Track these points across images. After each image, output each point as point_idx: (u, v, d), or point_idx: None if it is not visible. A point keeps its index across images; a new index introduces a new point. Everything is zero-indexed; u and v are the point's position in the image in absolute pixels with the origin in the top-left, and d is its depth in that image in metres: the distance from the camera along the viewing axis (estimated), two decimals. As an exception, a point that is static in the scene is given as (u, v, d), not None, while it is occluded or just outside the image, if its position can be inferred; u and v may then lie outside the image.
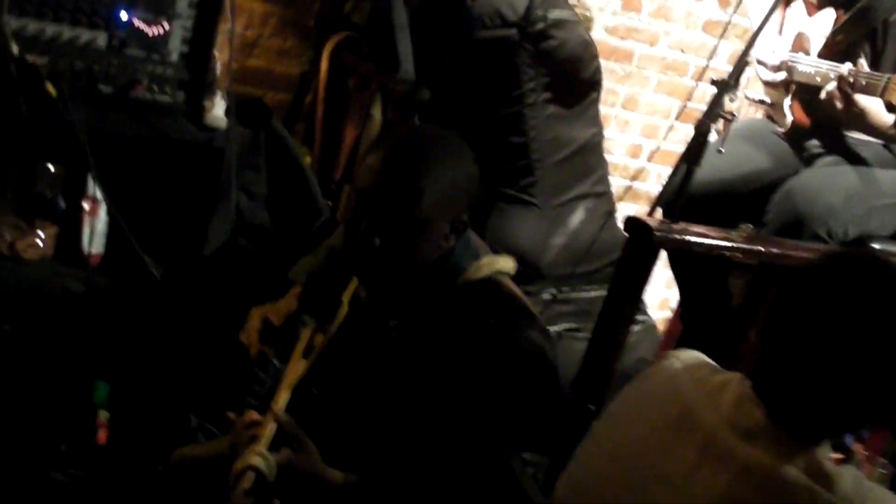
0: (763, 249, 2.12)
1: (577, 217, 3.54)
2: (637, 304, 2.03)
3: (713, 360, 1.76)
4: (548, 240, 3.48)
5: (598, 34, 4.06)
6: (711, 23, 4.27)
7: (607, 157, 4.22)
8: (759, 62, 2.91)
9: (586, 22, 3.96)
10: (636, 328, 3.63)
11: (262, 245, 3.08)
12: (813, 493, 1.48)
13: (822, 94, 2.57)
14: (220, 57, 3.05)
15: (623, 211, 4.11)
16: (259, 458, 1.71)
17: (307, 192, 3.20)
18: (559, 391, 2.07)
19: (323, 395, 2.02)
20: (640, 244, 1.91)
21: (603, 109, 4.14)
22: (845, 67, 2.53)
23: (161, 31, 2.78)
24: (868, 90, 2.48)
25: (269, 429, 1.77)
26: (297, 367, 1.97)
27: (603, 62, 4.04)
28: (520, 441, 1.99)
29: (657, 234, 1.89)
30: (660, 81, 4.31)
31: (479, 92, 3.56)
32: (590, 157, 3.67)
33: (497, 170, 3.54)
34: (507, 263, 2.03)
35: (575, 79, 3.56)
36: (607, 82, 4.14)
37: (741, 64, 2.40)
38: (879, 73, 2.46)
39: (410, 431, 1.88)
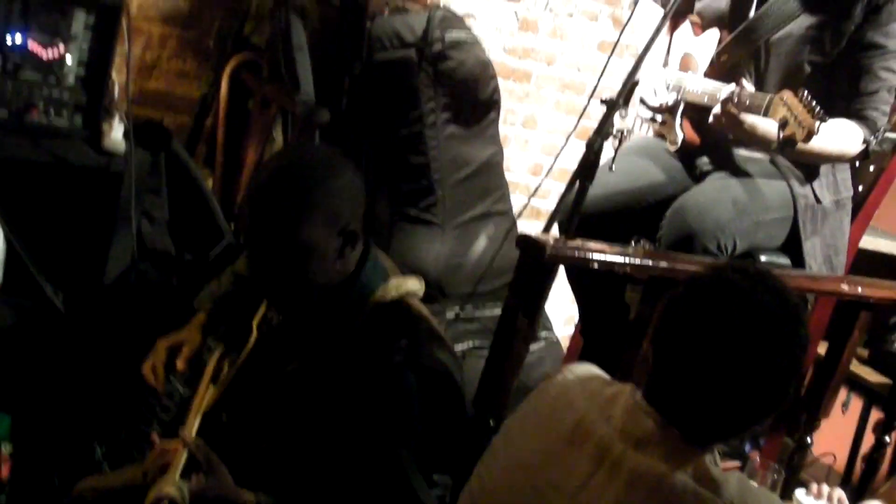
0: (651, 264, 2.18)
1: (479, 236, 3.59)
2: (534, 322, 2.06)
3: (613, 372, 1.82)
4: (450, 259, 3.52)
5: (496, 55, 4.12)
6: (606, 43, 4.37)
7: (509, 175, 4.29)
8: (649, 80, 2.98)
9: (486, 43, 4.05)
10: (539, 345, 3.70)
11: (164, 270, 3.06)
12: (699, 497, 1.55)
13: (710, 118, 2.65)
14: (118, 80, 3.04)
15: (526, 228, 4.17)
16: (172, 487, 1.72)
17: (209, 215, 3.20)
18: (465, 411, 2.11)
19: (234, 420, 2.03)
20: (531, 261, 1.96)
21: (503, 129, 4.21)
22: (727, 89, 2.61)
23: (56, 55, 2.75)
24: (752, 109, 2.56)
25: (181, 456, 1.78)
26: (206, 394, 1.98)
27: (502, 82, 4.11)
28: (428, 461, 2.02)
29: (548, 250, 1.93)
30: (558, 100, 4.39)
31: (379, 113, 3.60)
32: (490, 177, 3.73)
33: (399, 190, 3.59)
34: (415, 284, 2.06)
35: (473, 99, 3.62)
36: (507, 102, 4.21)
37: (628, 83, 2.47)
38: (762, 93, 2.54)
39: (319, 452, 1.90)
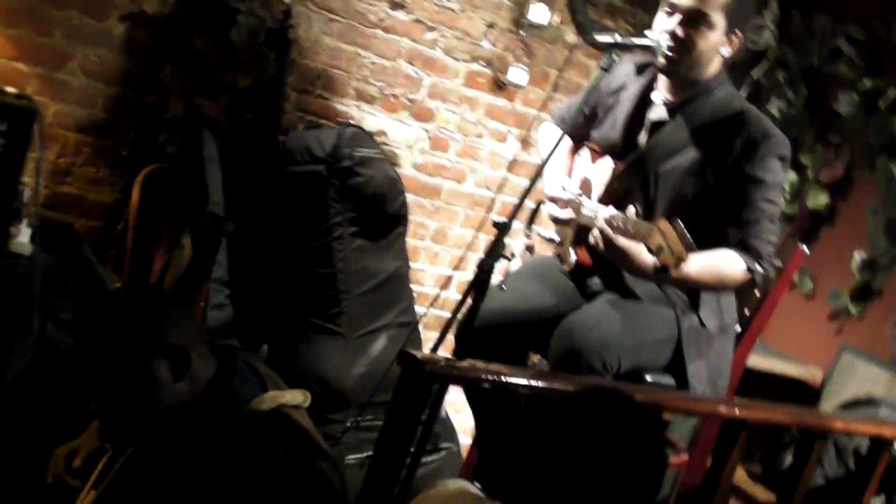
0: (530, 382, 2.24)
1: (380, 347, 3.65)
2: (411, 438, 2.11)
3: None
4: (351, 369, 3.57)
5: (407, 170, 4.26)
6: (516, 163, 4.53)
7: (418, 287, 4.40)
8: (551, 199, 3.10)
9: (397, 160, 4.18)
10: (439, 455, 3.75)
11: (66, 372, 3.07)
12: None
13: (590, 238, 2.76)
14: (29, 184, 3.09)
15: (433, 339, 4.25)
16: None
17: (109, 317, 3.22)
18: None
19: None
20: (411, 378, 2.02)
21: (414, 242, 4.34)
22: (607, 212, 2.73)
23: (-35, 161, 2.81)
24: (634, 236, 2.66)
25: None
26: (85, 498, 2.01)
27: (412, 197, 4.25)
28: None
29: (427, 368, 2.01)
30: (467, 216, 4.52)
31: (289, 224, 3.68)
32: (395, 289, 3.81)
33: (305, 299, 3.65)
34: (295, 397, 2.11)
35: (381, 213, 3.72)
36: (418, 216, 4.34)
37: (519, 207, 2.58)
38: (644, 222, 2.64)
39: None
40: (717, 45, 2.80)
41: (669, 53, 2.77)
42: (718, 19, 2.75)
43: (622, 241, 2.65)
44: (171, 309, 2.05)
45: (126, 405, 1.95)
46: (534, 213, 3.17)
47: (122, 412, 1.97)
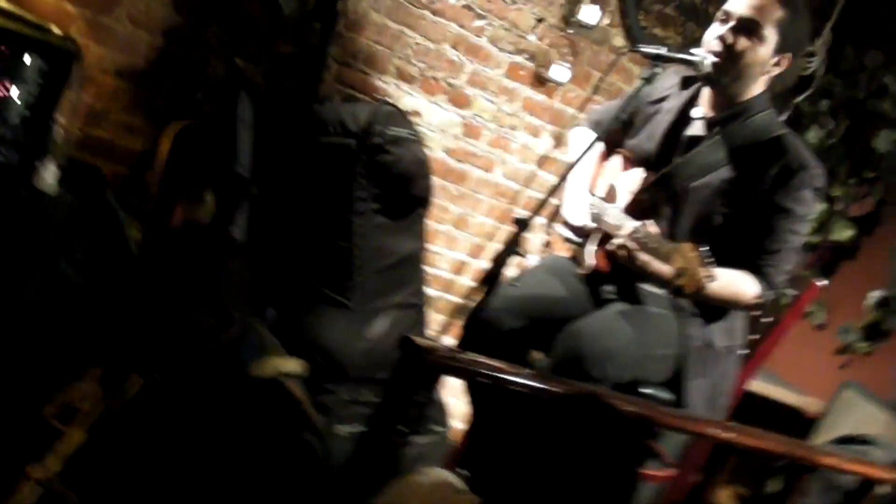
0: (531, 383, 2.28)
1: (386, 325, 3.67)
2: (403, 421, 2.15)
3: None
4: (354, 342, 3.59)
5: (437, 154, 4.28)
6: (547, 159, 4.54)
7: (433, 270, 4.42)
8: (567, 213, 3.11)
9: (430, 142, 4.20)
10: (428, 438, 3.78)
11: (76, 311, 3.12)
12: None
13: (609, 245, 2.78)
14: (64, 124, 3.13)
15: (440, 323, 4.28)
16: None
17: (129, 265, 3.28)
18: (327, 490, 2.19)
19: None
20: (409, 364, 2.06)
21: (434, 224, 4.36)
22: (633, 224, 2.75)
23: (4, 93, 2.85)
24: (655, 253, 2.68)
25: (29, 494, 1.85)
26: (73, 437, 2.06)
27: (438, 180, 4.27)
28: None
29: (428, 357, 2.04)
30: (491, 206, 4.53)
31: (313, 192, 3.70)
32: (409, 270, 3.83)
33: (319, 269, 3.68)
34: (294, 366, 2.16)
35: (405, 194, 3.73)
36: (441, 200, 4.36)
37: (543, 204, 2.60)
38: (668, 241, 2.65)
39: None
40: (764, 62, 2.79)
41: (716, 59, 2.78)
42: (771, 35, 2.75)
43: (643, 256, 2.68)
44: (231, 265, 2.08)
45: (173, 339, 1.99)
46: (556, 212, 3.20)
47: (168, 343, 2.01)
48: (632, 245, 2.71)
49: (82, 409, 2.26)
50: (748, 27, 2.75)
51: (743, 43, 2.75)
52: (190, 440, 2.00)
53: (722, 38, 2.77)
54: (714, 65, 2.78)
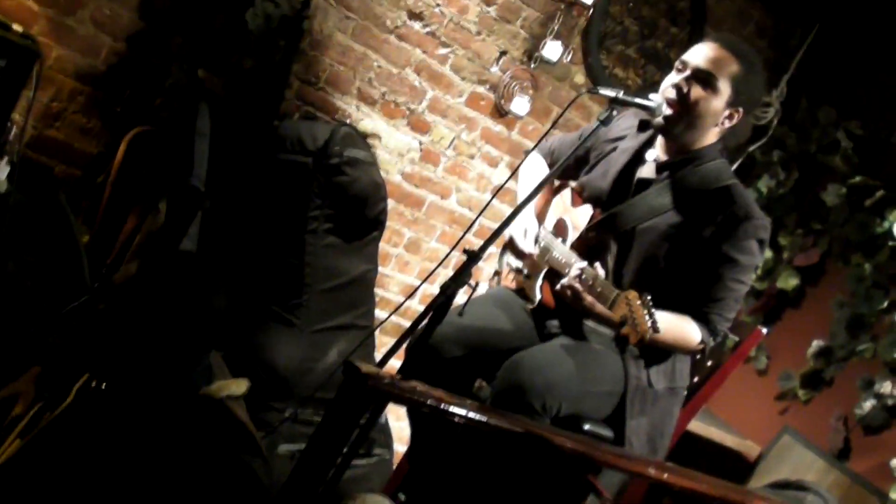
0: (466, 413, 2.28)
1: (333, 346, 3.66)
2: (343, 444, 2.15)
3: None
4: (302, 362, 3.58)
5: (394, 178, 4.29)
6: (503, 190, 4.53)
7: (382, 293, 4.42)
8: (510, 242, 3.11)
9: (386, 166, 4.21)
10: (370, 460, 3.77)
11: (20, 314, 3.07)
12: None
13: (558, 286, 2.80)
14: (17, 122, 3.10)
15: (389, 345, 4.26)
16: None
17: (77, 268, 3.24)
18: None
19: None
20: (351, 389, 2.05)
21: (386, 247, 4.36)
22: (579, 265, 2.76)
23: (-40, 88, 2.82)
24: (599, 297, 2.69)
25: None
26: (8, 446, 2.02)
27: (394, 204, 4.28)
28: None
29: (369, 383, 2.04)
30: (444, 232, 4.54)
31: (267, 208, 3.69)
32: (359, 291, 3.83)
33: (269, 285, 3.66)
34: (238, 387, 2.14)
35: (360, 216, 3.73)
36: (395, 223, 4.37)
37: (493, 238, 2.61)
38: (612, 287, 2.65)
39: None
40: (716, 113, 2.84)
41: (669, 110, 2.82)
42: (724, 88, 2.80)
43: (589, 298, 2.70)
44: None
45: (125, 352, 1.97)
46: (508, 243, 3.21)
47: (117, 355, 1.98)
48: (578, 286, 2.73)
49: (15, 411, 2.23)
50: (703, 78, 2.80)
51: (697, 92, 2.80)
52: (127, 453, 1.98)
53: (677, 87, 2.82)
54: (666, 116, 2.83)
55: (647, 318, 2.50)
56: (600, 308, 2.71)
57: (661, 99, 2.83)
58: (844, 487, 4.09)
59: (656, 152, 2.99)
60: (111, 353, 2.03)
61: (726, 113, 2.85)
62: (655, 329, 2.50)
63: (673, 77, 2.86)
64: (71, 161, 3.59)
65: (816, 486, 4.04)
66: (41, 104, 3.44)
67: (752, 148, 4.85)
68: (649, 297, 2.53)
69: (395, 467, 3.85)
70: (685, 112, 2.83)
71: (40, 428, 2.05)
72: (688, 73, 2.82)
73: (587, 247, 3.01)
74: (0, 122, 2.97)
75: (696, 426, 4.14)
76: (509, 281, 3.33)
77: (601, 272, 2.76)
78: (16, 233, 3.03)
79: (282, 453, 3.51)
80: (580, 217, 3.08)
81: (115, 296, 2.67)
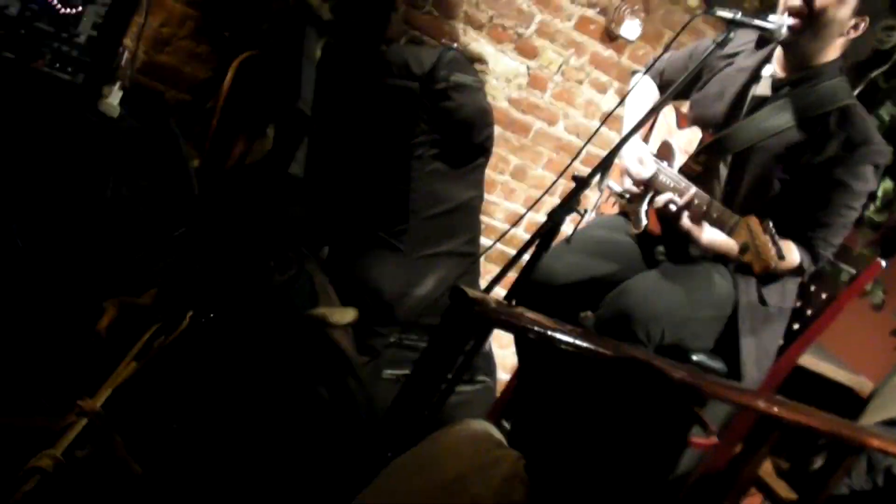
0: (577, 342, 2.26)
1: (438, 271, 3.67)
2: (448, 369, 2.15)
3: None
4: (406, 287, 3.60)
5: (501, 103, 4.23)
6: (612, 116, 4.45)
7: (487, 220, 4.40)
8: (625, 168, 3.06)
9: (493, 91, 4.15)
10: (473, 387, 3.79)
11: (131, 233, 3.14)
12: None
13: (669, 206, 2.74)
14: (130, 47, 3.14)
15: (493, 273, 4.25)
16: (47, 459, 1.81)
17: (187, 194, 3.29)
18: (362, 440, 2.19)
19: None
20: (458, 314, 2.05)
21: (492, 174, 4.32)
22: (693, 191, 2.70)
23: (74, 12, 2.86)
24: (717, 223, 2.63)
25: (75, 427, 1.87)
26: (125, 369, 2.07)
27: (500, 130, 4.23)
28: (321, 481, 2.10)
29: (477, 309, 2.03)
30: (551, 159, 4.48)
31: (374, 133, 3.69)
32: (464, 218, 3.82)
33: (375, 211, 3.68)
34: (343, 316, 2.15)
35: (465, 142, 3.71)
36: (501, 150, 4.32)
37: (604, 164, 2.56)
38: (730, 212, 2.60)
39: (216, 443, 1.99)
40: (843, 21, 2.70)
41: (794, 20, 2.68)
42: None
43: (686, 222, 2.65)
44: (290, 204, 2.08)
45: (230, 275, 2.00)
46: (604, 173, 3.14)
47: (224, 279, 2.01)
48: (691, 211, 2.67)
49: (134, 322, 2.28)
50: None
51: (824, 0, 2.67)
52: (233, 382, 2.01)
53: None
54: (790, 26, 2.69)
55: (770, 245, 2.43)
56: (711, 236, 2.65)
57: (780, 20, 2.71)
58: (962, 425, 3.96)
59: (773, 68, 2.87)
60: (219, 279, 2.05)
61: (852, 22, 2.71)
62: (781, 256, 2.43)
63: None
64: (181, 86, 3.63)
65: (932, 424, 3.93)
66: (151, 30, 3.47)
67: (874, 74, 4.63)
68: (771, 224, 2.46)
69: (498, 395, 3.88)
70: (811, 20, 2.68)
71: (156, 351, 2.10)
72: None
73: (696, 171, 2.93)
74: (111, 48, 3.00)
75: (808, 360, 4.03)
76: (611, 206, 3.27)
77: (715, 190, 2.71)
78: (129, 158, 3.09)
79: (386, 377, 3.55)
80: (688, 140, 2.99)
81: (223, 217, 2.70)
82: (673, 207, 2.70)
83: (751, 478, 3.07)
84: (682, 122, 3.08)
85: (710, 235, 2.71)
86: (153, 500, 1.93)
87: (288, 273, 2.04)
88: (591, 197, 4.31)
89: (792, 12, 2.70)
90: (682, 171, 2.95)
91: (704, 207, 2.67)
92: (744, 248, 2.47)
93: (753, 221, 2.48)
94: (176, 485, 1.95)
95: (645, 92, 3.13)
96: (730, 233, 2.57)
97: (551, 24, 4.21)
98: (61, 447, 1.82)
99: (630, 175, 3.00)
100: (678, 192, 2.80)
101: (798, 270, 2.80)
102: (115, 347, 2.19)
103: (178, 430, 2.04)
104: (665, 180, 2.92)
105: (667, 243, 3.02)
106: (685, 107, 3.15)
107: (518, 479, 1.73)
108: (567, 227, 2.70)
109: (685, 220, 2.69)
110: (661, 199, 2.72)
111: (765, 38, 2.93)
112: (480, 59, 4.07)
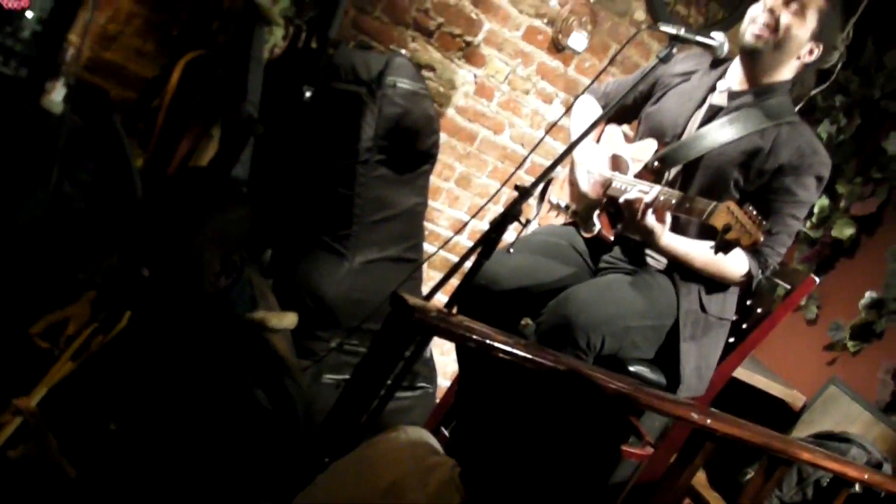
0: (513, 351, 2.28)
1: (381, 277, 3.67)
2: (387, 375, 2.16)
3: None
4: (349, 292, 3.60)
5: (447, 111, 4.25)
6: (556, 127, 4.49)
7: (431, 226, 4.41)
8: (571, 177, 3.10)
9: (440, 98, 4.17)
10: (414, 393, 3.80)
11: (72, 230, 3.11)
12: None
13: (623, 199, 2.78)
14: (74, 43, 3.10)
15: (436, 279, 4.26)
16: None
17: (130, 191, 3.26)
18: (299, 445, 2.18)
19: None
20: (398, 321, 2.06)
21: (437, 181, 4.34)
22: (658, 189, 2.75)
23: (19, 6, 2.82)
24: (692, 212, 2.69)
25: (10, 426, 1.85)
26: (61, 368, 2.05)
27: (446, 138, 4.25)
28: (256, 487, 2.09)
29: (415, 316, 2.04)
30: (496, 168, 4.51)
31: (319, 138, 3.69)
32: (408, 224, 3.83)
33: (319, 215, 3.67)
34: (281, 321, 2.13)
35: (411, 148, 3.72)
36: (447, 157, 4.34)
37: (545, 175, 2.59)
38: (706, 200, 2.65)
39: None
40: (801, 43, 2.86)
41: (759, 32, 2.84)
42: (812, 18, 2.83)
43: (650, 218, 2.72)
44: (236, 206, 2.06)
45: (174, 279, 1.98)
46: (544, 184, 3.19)
47: (167, 282, 1.99)
48: (656, 208, 2.72)
49: (68, 330, 2.25)
50: (795, 3, 2.81)
51: (789, 17, 2.82)
52: (169, 383, 1.99)
53: (771, 9, 2.83)
54: (756, 35, 2.84)
55: (754, 219, 2.51)
56: (667, 241, 2.77)
57: (722, 38, 2.79)
58: (890, 441, 4.05)
59: (728, 83, 2.99)
60: (159, 278, 2.03)
61: (808, 46, 2.87)
62: (766, 230, 2.54)
63: (761, 4, 2.86)
64: (126, 84, 3.59)
65: (861, 438, 4.01)
66: (98, 26, 3.43)
67: (814, 92, 4.73)
68: (750, 206, 2.55)
69: (438, 401, 3.89)
70: (774, 35, 2.83)
71: (93, 351, 2.08)
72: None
73: (650, 179, 2.99)
74: (56, 44, 2.96)
75: (743, 373, 4.11)
76: (553, 217, 3.30)
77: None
78: (71, 154, 3.05)
79: (326, 382, 3.55)
80: (640, 150, 3.06)
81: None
82: (641, 204, 2.74)
83: (684, 488, 3.11)
84: (629, 139, 3.14)
85: (668, 239, 2.79)
86: (85, 502, 1.92)
87: (230, 276, 2.02)
88: (533, 206, 4.35)
89: (761, 26, 2.84)
90: (638, 176, 3.01)
91: (674, 200, 2.72)
92: (726, 228, 2.54)
93: (731, 204, 2.57)
94: (109, 488, 1.93)
95: (589, 111, 3.20)
96: (708, 217, 2.62)
97: (499, 34, 4.24)
98: (-3, 442, 1.81)
99: (577, 186, 3.04)
100: (639, 192, 2.84)
101: (747, 277, 2.91)
102: (50, 347, 2.17)
103: (114, 431, 2.02)
104: (621, 186, 2.97)
105: (618, 249, 3.07)
106: (630, 129, 3.21)
107: (453, 485, 1.75)
108: (510, 236, 2.72)
109: (649, 218, 2.73)
110: (630, 195, 2.75)
111: (718, 61, 3.04)
112: (428, 66, 4.09)
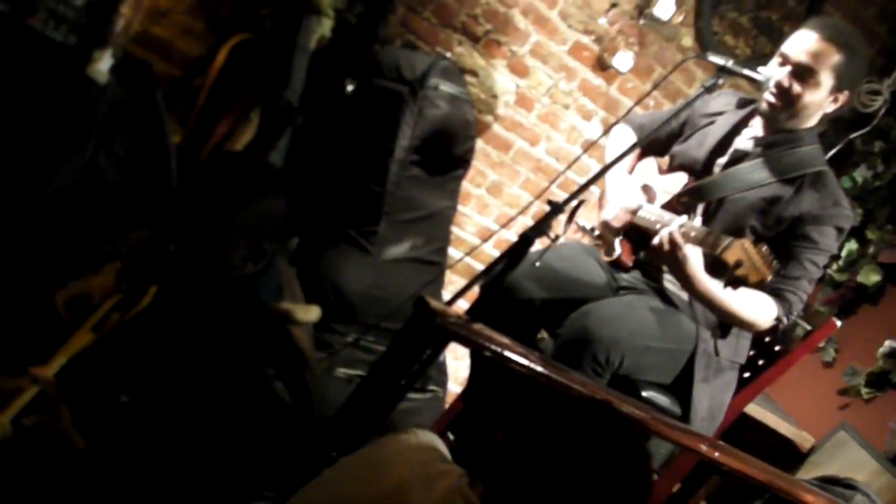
0: (533, 365, 2.28)
1: (403, 277, 3.68)
2: (403, 375, 2.17)
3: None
4: (370, 289, 3.61)
5: (486, 117, 4.25)
6: (593, 145, 4.49)
7: (458, 232, 4.41)
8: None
9: (480, 105, 4.17)
10: (424, 396, 3.80)
11: (104, 203, 3.13)
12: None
13: (656, 240, 2.78)
14: (126, 15, 3.12)
15: (457, 284, 4.27)
16: None
17: (165, 168, 3.28)
18: (311, 440, 2.19)
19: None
20: (417, 323, 2.07)
21: (468, 187, 4.34)
22: (680, 220, 2.77)
23: (75, -26, 2.85)
24: (707, 245, 2.68)
25: (27, 393, 1.86)
26: (81, 338, 2.06)
27: (482, 144, 4.25)
28: (263, 477, 2.10)
29: (437, 321, 2.05)
30: (528, 179, 4.51)
31: (357, 131, 3.70)
32: (435, 227, 3.84)
33: (348, 209, 3.68)
34: (305, 314, 2.14)
35: (446, 151, 3.73)
36: (480, 164, 4.34)
37: (577, 194, 2.60)
38: (729, 236, 2.64)
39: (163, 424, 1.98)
40: (819, 103, 2.85)
41: (773, 101, 2.84)
42: (826, 79, 2.80)
43: (688, 249, 2.70)
44: (269, 193, 2.07)
45: (197, 258, 2.00)
46: (593, 201, 3.21)
47: (191, 260, 2.01)
48: (678, 238, 2.72)
49: (92, 300, 2.26)
50: (804, 73, 2.79)
51: (798, 88, 2.81)
52: (188, 364, 2.00)
53: (779, 84, 2.81)
54: (770, 105, 2.85)
55: (767, 259, 2.52)
56: (692, 262, 2.71)
57: (769, 72, 2.80)
58: (895, 493, 4.02)
59: (754, 130, 3.00)
60: (187, 258, 2.04)
61: (829, 99, 2.85)
62: (777, 271, 2.55)
63: (775, 70, 2.84)
64: (171, 60, 3.61)
65: (865, 486, 3.97)
66: (150, 0, 3.45)
67: (853, 135, 4.71)
68: (765, 246, 2.56)
69: (446, 406, 3.89)
70: (788, 105, 2.84)
71: (114, 323, 2.09)
72: (789, 67, 2.81)
73: (679, 210, 3.00)
74: (107, 13, 2.99)
75: (754, 409, 4.09)
76: (579, 238, 3.32)
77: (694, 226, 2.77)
78: (111, 126, 3.07)
79: (338, 376, 3.56)
80: (671, 183, 3.08)
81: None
82: (663, 237, 2.74)
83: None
84: (661, 171, 3.16)
85: (689, 252, 2.76)
86: (91, 476, 1.93)
87: (259, 264, 2.03)
88: (562, 224, 4.35)
89: (773, 94, 2.83)
90: (664, 207, 3.02)
91: (692, 232, 2.72)
92: (737, 265, 2.54)
93: (747, 242, 2.57)
94: (117, 463, 1.94)
95: (625, 140, 3.21)
96: (723, 252, 2.62)
97: (546, 46, 4.24)
98: (10, 413, 1.81)
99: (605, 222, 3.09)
100: (660, 223, 2.86)
101: (776, 322, 2.89)
102: (73, 317, 2.18)
103: (126, 404, 2.03)
104: (646, 215, 2.98)
105: (638, 272, 3.08)
106: (665, 162, 3.22)
107: (460, 495, 1.74)
108: (536, 249, 2.73)
109: (683, 249, 2.73)
110: (664, 234, 2.75)
111: (746, 101, 3.06)
112: (472, 72, 4.10)
